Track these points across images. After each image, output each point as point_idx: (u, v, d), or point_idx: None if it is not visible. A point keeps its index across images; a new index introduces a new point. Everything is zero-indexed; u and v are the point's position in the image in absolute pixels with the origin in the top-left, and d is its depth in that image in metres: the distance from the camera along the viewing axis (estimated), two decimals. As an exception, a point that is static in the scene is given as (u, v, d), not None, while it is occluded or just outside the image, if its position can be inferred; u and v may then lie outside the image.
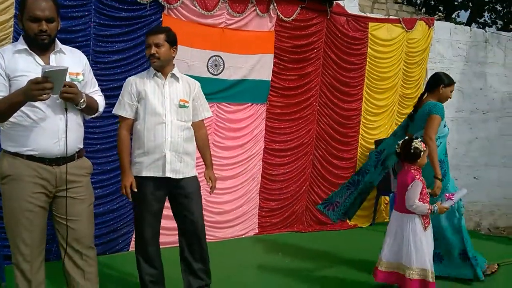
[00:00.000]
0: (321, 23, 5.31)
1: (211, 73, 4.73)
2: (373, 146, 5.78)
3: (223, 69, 4.79)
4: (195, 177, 3.24)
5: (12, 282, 2.49)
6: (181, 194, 3.14)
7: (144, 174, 3.04)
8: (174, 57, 3.16)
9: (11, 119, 2.31)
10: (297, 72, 5.27)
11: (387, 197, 5.78)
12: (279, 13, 5.01)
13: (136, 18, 4.29)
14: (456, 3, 10.89)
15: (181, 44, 4.30)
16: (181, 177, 3.11)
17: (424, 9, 10.34)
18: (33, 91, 2.14)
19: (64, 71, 2.21)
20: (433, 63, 6.54)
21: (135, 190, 3.03)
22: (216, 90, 4.74)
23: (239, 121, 5.02)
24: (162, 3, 4.36)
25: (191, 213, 3.17)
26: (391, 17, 6.26)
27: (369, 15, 6.02)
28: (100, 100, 2.66)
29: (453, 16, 11.34)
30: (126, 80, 3.17)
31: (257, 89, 5.04)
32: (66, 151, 2.39)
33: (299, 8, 5.11)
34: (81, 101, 2.41)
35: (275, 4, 4.97)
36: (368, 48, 5.70)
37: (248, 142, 5.08)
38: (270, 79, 5.11)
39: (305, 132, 5.44)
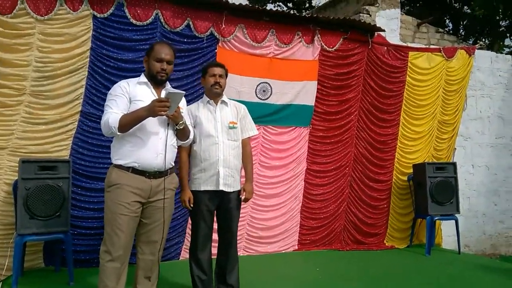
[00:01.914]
0: (362, 52, 5.78)
1: (259, 98, 5.28)
2: (411, 170, 6.12)
3: (270, 94, 5.34)
4: (239, 191, 3.76)
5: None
6: (226, 208, 3.66)
7: (202, 188, 3.60)
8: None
9: (124, 136, 2.92)
10: (338, 98, 5.74)
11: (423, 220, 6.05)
12: (323, 43, 5.52)
13: (194, 50, 4.92)
14: (501, 29, 11.02)
15: (233, 72, 4.95)
16: (231, 190, 3.65)
17: (466, 36, 10.54)
18: (156, 108, 2.80)
19: (181, 95, 2.89)
20: (474, 90, 6.84)
21: (191, 206, 3.58)
22: (264, 114, 5.27)
23: (284, 143, 5.52)
24: (217, 36, 4.97)
25: (230, 226, 3.70)
26: (432, 46, 6.60)
27: (410, 44, 6.39)
28: (192, 130, 3.31)
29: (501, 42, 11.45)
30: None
31: (301, 113, 5.54)
32: (164, 165, 2.99)
33: (341, 39, 5.61)
34: (181, 122, 3.05)
35: (319, 35, 5.49)
36: (407, 76, 6.06)
37: (291, 163, 5.56)
38: (314, 104, 5.60)
39: (344, 154, 5.86)
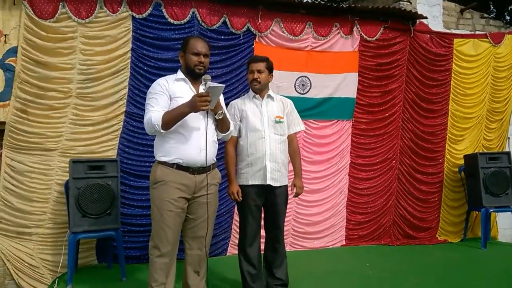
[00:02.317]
0: (404, 41, 5.67)
1: (298, 92, 5.28)
2: (461, 162, 5.94)
3: (310, 88, 5.32)
4: (287, 186, 3.76)
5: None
6: (273, 203, 3.66)
7: (250, 182, 3.62)
8: (270, 81, 3.78)
9: (166, 133, 2.97)
10: (381, 89, 5.66)
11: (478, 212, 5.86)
12: (362, 34, 5.46)
13: (231, 46, 4.98)
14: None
15: (270, 67, 4.92)
16: (278, 185, 3.65)
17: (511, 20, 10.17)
18: (198, 103, 2.85)
19: (221, 88, 2.93)
20: (524, 76, 6.57)
21: (240, 199, 3.60)
22: (304, 108, 5.24)
23: (326, 136, 5.48)
24: (254, 31, 5.02)
25: (277, 221, 3.71)
26: (477, 32, 6.41)
27: (454, 31, 6.24)
28: (232, 123, 3.33)
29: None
30: (229, 104, 3.80)
31: (343, 106, 5.49)
32: (206, 161, 3.01)
33: (382, 28, 5.54)
34: (220, 112, 3.08)
35: (358, 26, 5.44)
36: (453, 64, 5.91)
37: (335, 157, 5.51)
38: (355, 96, 5.54)
39: (389, 147, 5.75)
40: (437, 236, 5.90)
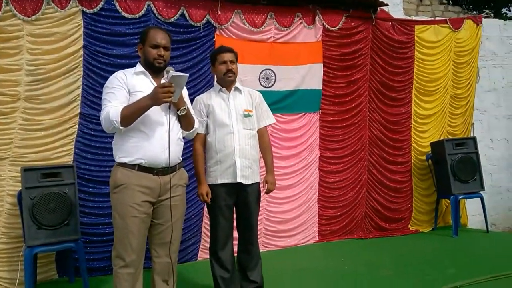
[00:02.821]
0: (367, 29, 5.63)
1: (263, 86, 5.14)
2: (429, 149, 5.96)
3: (275, 81, 5.19)
4: (259, 184, 3.60)
5: None
6: (245, 202, 3.50)
7: (219, 181, 3.44)
8: None
9: (126, 131, 2.75)
10: (346, 79, 5.59)
11: (448, 200, 5.90)
12: (325, 23, 5.38)
13: (191, 40, 4.78)
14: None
15: (233, 61, 4.76)
16: (250, 183, 3.48)
17: (471, 7, 10.42)
18: (159, 94, 2.63)
19: (185, 78, 2.72)
20: (485, 61, 6.73)
21: (209, 201, 3.42)
22: (270, 102, 5.03)
23: (294, 130, 5.36)
24: (214, 24, 4.84)
25: (250, 221, 3.55)
26: (437, 18, 6.47)
27: (414, 18, 6.28)
28: (197, 120, 3.11)
29: (503, 11, 11.34)
30: (195, 100, 3.61)
31: (309, 98, 5.38)
32: (169, 160, 2.79)
33: (344, 17, 5.46)
34: (183, 108, 2.87)
35: (320, 15, 5.35)
36: (415, 51, 5.91)
37: (303, 151, 5.40)
38: (321, 88, 5.44)
39: (357, 138, 5.70)
40: (409, 226, 5.90)
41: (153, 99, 2.67)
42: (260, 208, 5.02)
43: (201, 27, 4.79)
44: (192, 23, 4.74)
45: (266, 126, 3.70)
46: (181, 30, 4.72)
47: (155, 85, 2.84)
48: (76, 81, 4.34)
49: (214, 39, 4.86)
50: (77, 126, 4.33)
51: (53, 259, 4.29)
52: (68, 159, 4.30)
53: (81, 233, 4.11)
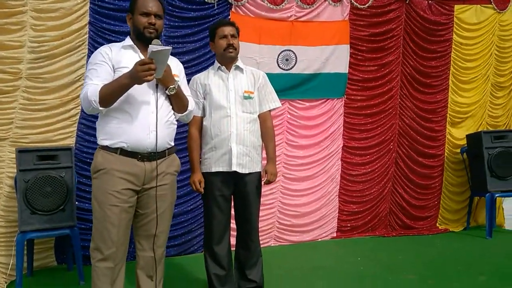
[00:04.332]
0: (400, 8, 5.30)
1: (282, 68, 4.88)
2: (464, 142, 5.61)
3: (295, 63, 4.93)
4: (259, 173, 3.36)
5: (90, 282, 2.64)
6: (243, 193, 3.27)
7: (214, 169, 3.22)
8: None
9: (108, 111, 2.55)
10: (376, 62, 5.30)
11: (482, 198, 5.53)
12: (353, 0, 5.06)
13: (204, 17, 4.57)
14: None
15: (249, 41, 4.58)
16: (247, 172, 3.24)
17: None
18: (140, 73, 2.37)
19: (168, 52, 2.42)
20: (533, 47, 6.21)
21: (202, 190, 3.22)
22: (288, 86, 4.87)
23: (314, 118, 5.10)
24: (230, 0, 4.60)
25: (248, 214, 3.30)
26: (480, -3, 6.02)
27: (454, -4, 5.85)
28: (191, 100, 2.84)
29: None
30: (191, 79, 3.38)
31: (333, 82, 5.10)
32: (156, 145, 2.57)
33: (374, -6, 5.13)
34: (172, 86, 2.61)
35: (348, -9, 5.04)
36: (454, 34, 5.55)
37: (324, 140, 5.14)
38: (347, 71, 5.14)
39: (387, 127, 5.40)
40: (437, 225, 5.58)
41: (133, 77, 2.42)
42: (274, 201, 4.90)
43: (215, 3, 4.56)
44: (206, 0, 4.52)
45: (269, 111, 3.43)
46: (194, 6, 4.51)
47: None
48: (81, 59, 4.19)
49: (229, 17, 4.62)
50: (80, 107, 4.20)
51: (52, 246, 4.21)
52: (71, 142, 4.19)
53: (81, 219, 4.02)
